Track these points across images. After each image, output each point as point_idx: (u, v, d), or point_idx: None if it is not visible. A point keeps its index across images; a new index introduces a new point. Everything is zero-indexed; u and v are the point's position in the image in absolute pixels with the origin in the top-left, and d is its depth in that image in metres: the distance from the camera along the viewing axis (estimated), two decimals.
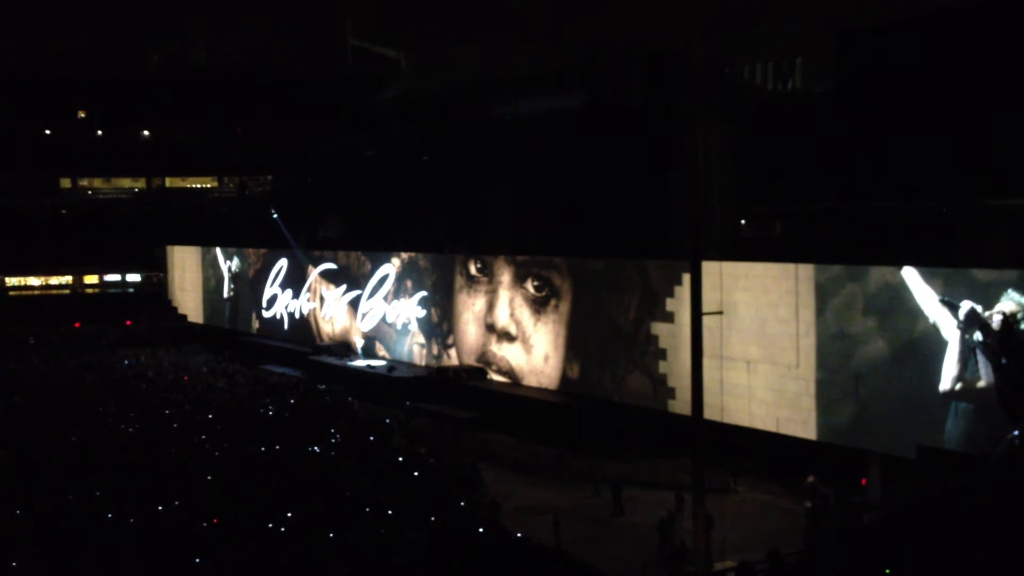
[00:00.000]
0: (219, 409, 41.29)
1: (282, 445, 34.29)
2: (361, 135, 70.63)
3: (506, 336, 43.87)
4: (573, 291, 40.85)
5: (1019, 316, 25.33)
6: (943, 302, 27.29)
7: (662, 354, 36.48)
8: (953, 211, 30.38)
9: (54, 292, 78.21)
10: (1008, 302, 25.95)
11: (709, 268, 31.78)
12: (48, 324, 67.67)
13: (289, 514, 25.48)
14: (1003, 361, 24.50)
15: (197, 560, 22.38)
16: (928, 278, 28.04)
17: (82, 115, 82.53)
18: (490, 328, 44.86)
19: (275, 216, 63.25)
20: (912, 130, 32.05)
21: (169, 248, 78.21)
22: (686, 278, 34.26)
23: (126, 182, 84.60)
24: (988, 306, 26.37)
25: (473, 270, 46.14)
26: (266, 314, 64.21)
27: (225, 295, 69.60)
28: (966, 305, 26.84)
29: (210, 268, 71.72)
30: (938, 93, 31.84)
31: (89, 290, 79.00)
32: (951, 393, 27.29)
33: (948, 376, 27.40)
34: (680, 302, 35.15)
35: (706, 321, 27.06)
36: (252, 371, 53.79)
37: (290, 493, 27.80)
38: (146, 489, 28.35)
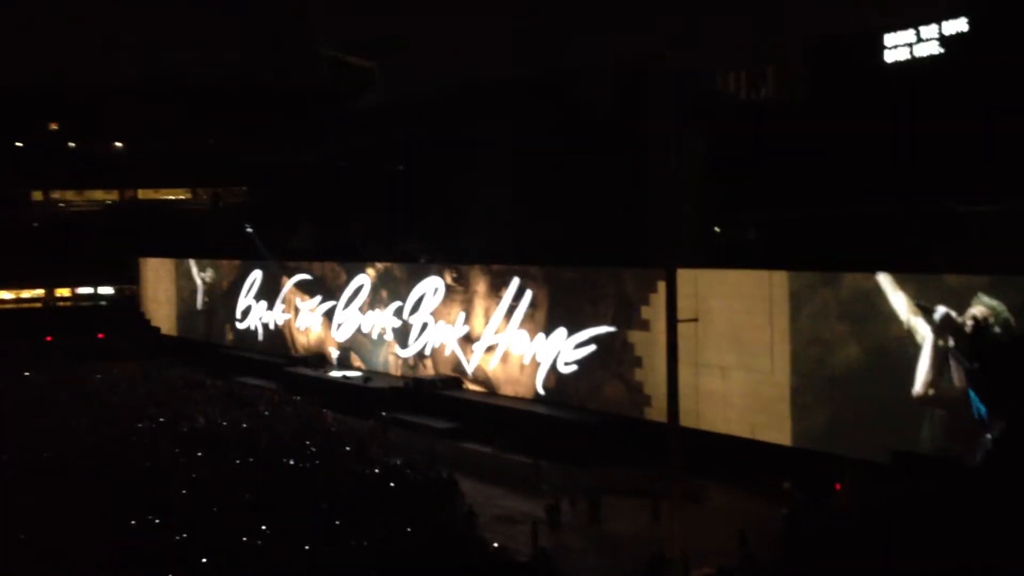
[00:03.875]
0: (193, 422, 40.97)
1: (257, 458, 34.05)
2: (335, 145, 70.56)
3: (482, 345, 43.81)
4: (549, 300, 40.86)
5: (990, 320, 25.58)
6: (918, 306, 27.49)
7: (638, 362, 36.56)
8: (924, 217, 30.68)
9: (26, 306, 77.43)
10: (980, 307, 26.21)
11: (684, 276, 31.86)
12: (20, 337, 66.88)
13: (264, 527, 25.30)
14: (972, 365, 24.73)
15: (171, 574, 22.17)
16: (902, 283, 28.28)
17: (54, 127, 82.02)
18: (466, 338, 44.78)
19: (249, 230, 62.84)
20: (882, 138, 32.44)
21: (142, 260, 77.64)
22: (661, 286, 34.33)
23: (98, 194, 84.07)
24: (960, 311, 26.62)
25: (448, 280, 46.06)
26: (240, 326, 63.83)
27: (199, 307, 69.17)
28: (941, 310, 27.07)
29: (184, 280, 71.25)
30: (907, 102, 32.26)
31: (62, 303, 78.28)
32: (925, 398, 27.49)
33: (922, 381, 27.58)
34: (655, 310, 35.20)
35: (681, 328, 27.19)
36: (226, 383, 53.45)
37: (265, 506, 27.60)
38: (119, 503, 28.09)
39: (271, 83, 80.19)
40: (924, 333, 27.47)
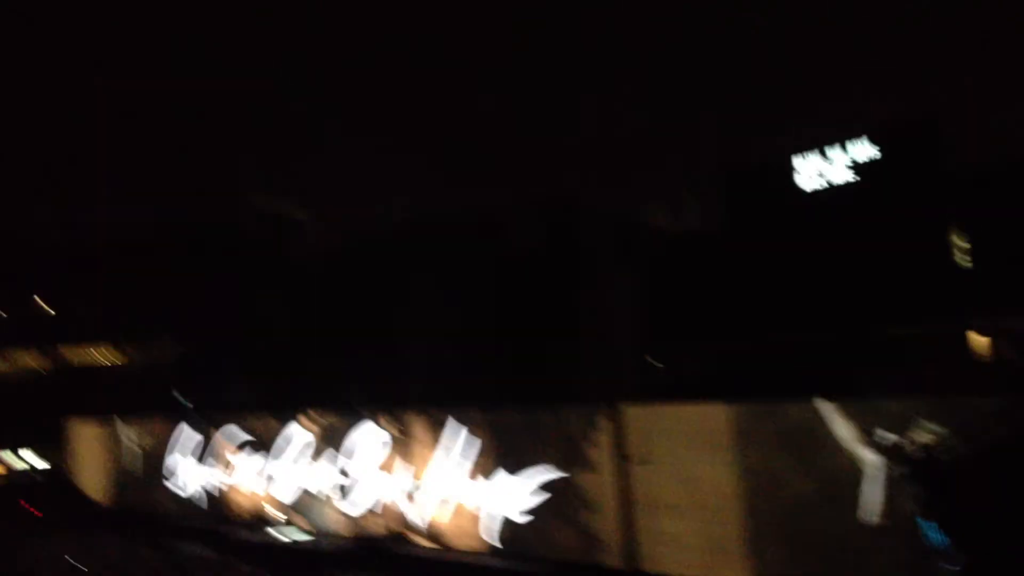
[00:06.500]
0: None
1: None
2: (267, 294, 70.24)
3: (430, 497, 42.76)
4: (493, 444, 40.17)
5: (936, 445, 25.64)
6: (862, 433, 27.55)
7: (588, 506, 35.87)
8: (858, 342, 31.05)
9: None
10: (923, 431, 26.30)
11: (627, 412, 31.63)
12: None
13: None
14: (925, 493, 24.64)
15: None
16: (843, 411, 28.33)
17: None
18: (413, 489, 43.72)
19: (182, 400, 61.37)
20: (807, 264, 33.02)
21: (73, 427, 75.19)
22: (606, 424, 34.10)
23: (22, 358, 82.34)
24: (904, 436, 26.68)
25: (390, 428, 45.20)
26: (177, 491, 61.71)
27: (134, 473, 66.87)
28: (884, 436, 27.13)
29: (116, 446, 69.01)
30: (824, 228, 32.96)
31: None
32: (878, 527, 27.29)
33: (873, 510, 27.45)
34: (602, 450, 34.83)
35: (629, 468, 26.85)
36: (164, 552, 51.35)
37: None
38: None
39: (199, 235, 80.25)
40: (870, 461, 27.49)
